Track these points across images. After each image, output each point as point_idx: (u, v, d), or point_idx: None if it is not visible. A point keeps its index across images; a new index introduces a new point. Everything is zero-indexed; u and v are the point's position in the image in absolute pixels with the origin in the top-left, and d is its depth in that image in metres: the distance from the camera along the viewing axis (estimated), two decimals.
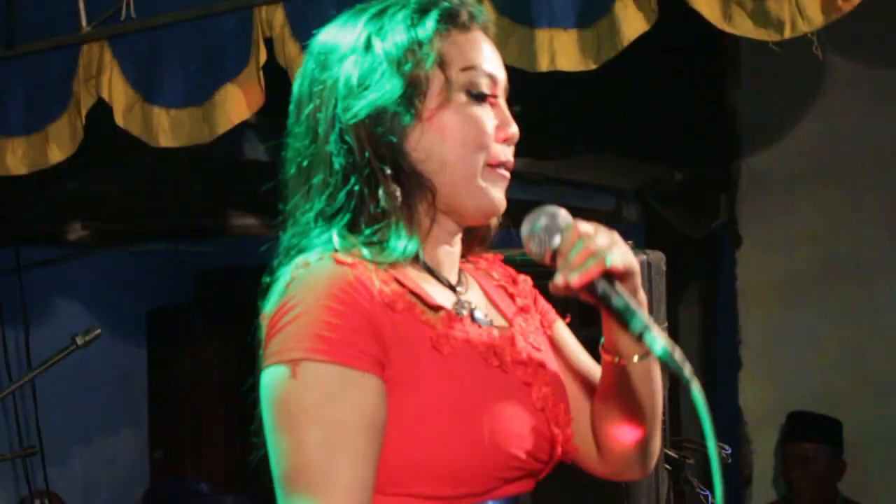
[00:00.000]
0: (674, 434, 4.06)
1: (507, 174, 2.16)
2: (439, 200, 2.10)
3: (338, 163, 2.06)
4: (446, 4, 2.12)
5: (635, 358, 2.18)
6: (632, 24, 3.72)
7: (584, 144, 6.33)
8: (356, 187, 2.05)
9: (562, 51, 3.84)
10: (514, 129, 2.15)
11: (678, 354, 1.98)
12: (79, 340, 4.36)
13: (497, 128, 2.13)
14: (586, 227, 2.06)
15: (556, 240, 2.05)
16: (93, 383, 7.59)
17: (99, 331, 4.38)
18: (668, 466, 3.98)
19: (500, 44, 3.91)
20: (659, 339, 1.98)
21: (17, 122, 4.87)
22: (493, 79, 2.14)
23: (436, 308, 2.08)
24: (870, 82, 6.10)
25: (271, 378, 1.94)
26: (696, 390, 1.98)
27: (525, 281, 2.36)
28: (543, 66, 3.83)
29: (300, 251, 2.05)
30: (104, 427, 7.96)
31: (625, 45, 3.75)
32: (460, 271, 2.22)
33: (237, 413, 8.03)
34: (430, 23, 2.09)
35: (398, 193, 2.06)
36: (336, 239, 2.03)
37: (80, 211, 7.04)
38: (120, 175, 6.43)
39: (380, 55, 2.06)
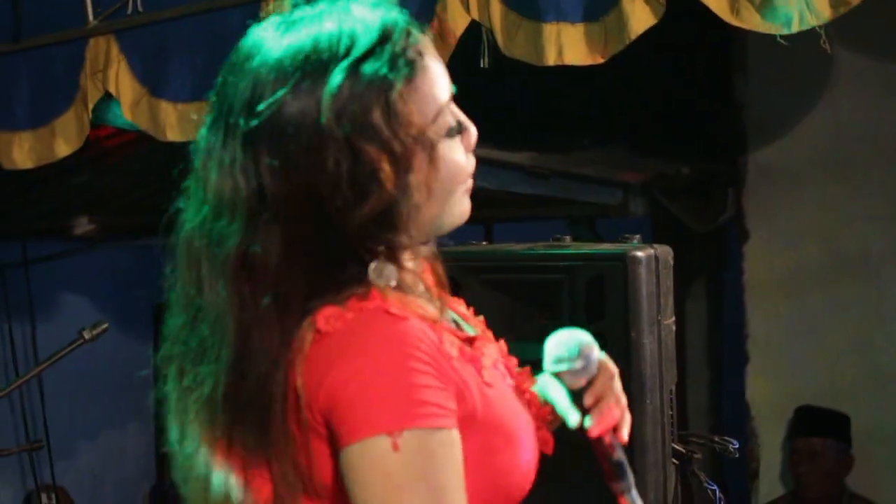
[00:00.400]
0: (681, 428, 4.05)
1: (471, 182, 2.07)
2: (418, 228, 1.99)
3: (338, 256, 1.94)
4: (401, 62, 1.93)
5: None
6: (639, 17, 3.72)
7: (591, 139, 6.32)
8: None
9: (569, 45, 3.84)
10: (474, 133, 2.04)
11: None
12: (86, 334, 4.36)
13: (462, 139, 2.02)
14: (615, 382, 2.11)
15: (581, 382, 2.06)
16: (99, 378, 7.59)
17: (107, 325, 4.39)
18: (675, 461, 3.98)
19: (508, 37, 3.92)
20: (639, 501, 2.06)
21: (23, 116, 4.88)
22: (453, 96, 2.02)
23: (470, 340, 2.07)
24: (877, 77, 6.09)
25: (366, 452, 1.82)
26: None
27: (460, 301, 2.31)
28: (551, 60, 3.83)
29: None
30: (110, 421, 7.96)
31: (632, 39, 3.75)
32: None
33: None
34: (392, 99, 1.90)
35: (402, 261, 1.98)
36: (372, 275, 1.94)
37: (86, 205, 7.04)
38: (126, 169, 6.43)
39: (359, 149, 1.88)
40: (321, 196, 1.88)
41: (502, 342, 2.23)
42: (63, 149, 4.80)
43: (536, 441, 2.09)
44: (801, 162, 6.32)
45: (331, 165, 1.87)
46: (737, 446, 4.03)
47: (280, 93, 1.92)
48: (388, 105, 1.90)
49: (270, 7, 4.35)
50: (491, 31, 3.95)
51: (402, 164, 1.91)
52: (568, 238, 3.68)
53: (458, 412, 1.89)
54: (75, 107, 4.74)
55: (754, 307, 6.46)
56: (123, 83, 4.63)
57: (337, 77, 1.89)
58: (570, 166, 6.22)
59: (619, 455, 2.06)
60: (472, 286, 3.51)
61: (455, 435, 1.87)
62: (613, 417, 2.06)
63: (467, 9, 4.00)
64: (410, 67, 1.94)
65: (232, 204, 1.95)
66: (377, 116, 1.89)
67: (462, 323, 2.16)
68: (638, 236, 3.84)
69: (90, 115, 4.71)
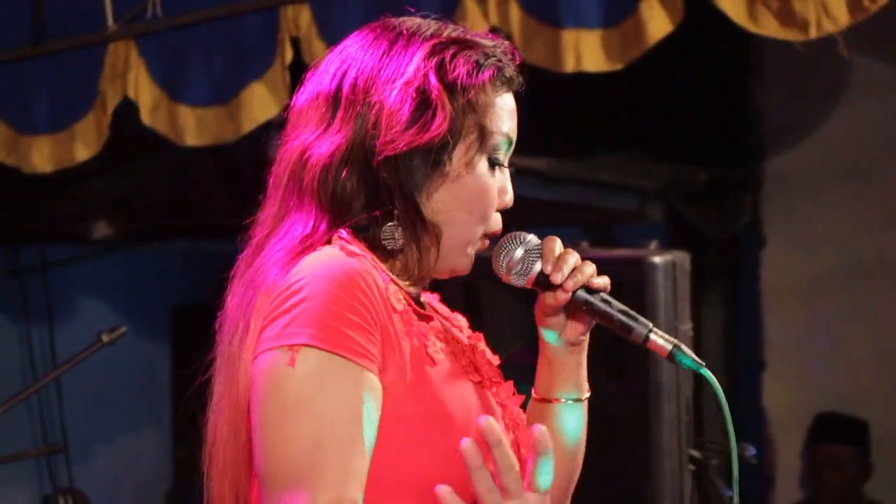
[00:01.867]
0: (697, 435, 4.05)
1: (487, 244, 2.14)
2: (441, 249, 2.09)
3: (373, 188, 2.03)
4: (500, 62, 2.08)
5: (569, 400, 2.20)
6: (658, 24, 3.73)
7: (608, 144, 6.33)
8: (374, 216, 2.03)
9: (587, 51, 3.85)
10: (510, 198, 2.13)
11: (685, 349, 2.04)
12: (105, 338, 4.37)
13: (498, 193, 2.11)
14: (559, 244, 2.10)
15: (538, 265, 2.09)
16: (116, 381, 7.60)
17: (125, 329, 4.39)
18: (691, 467, 3.98)
19: (526, 44, 3.93)
20: (666, 339, 2.05)
21: (43, 121, 4.89)
22: (511, 144, 2.12)
23: (426, 318, 2.09)
24: (895, 82, 6.08)
25: (267, 363, 1.90)
26: (712, 379, 2.04)
27: (460, 319, 2.32)
28: (569, 66, 3.84)
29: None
30: (128, 425, 7.97)
31: (650, 46, 3.76)
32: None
33: None
34: (485, 79, 2.06)
35: (409, 235, 2.04)
36: (345, 232, 2.01)
37: (104, 209, 7.06)
38: (145, 173, 6.45)
39: (434, 97, 2.01)
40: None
41: (495, 357, 2.25)
42: (82, 153, 4.81)
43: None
44: (818, 168, 6.32)
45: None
46: (754, 452, 4.03)
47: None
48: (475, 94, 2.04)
49: (289, 12, 4.36)
50: (509, 38, 3.96)
51: (454, 132, 2.02)
52: (585, 244, 3.69)
53: (381, 360, 1.93)
54: (94, 111, 4.75)
55: (771, 313, 6.45)
56: (143, 87, 4.64)
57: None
58: (586, 172, 6.22)
59: (612, 306, 2.07)
60: (487, 291, 3.52)
61: (365, 375, 1.90)
62: (578, 279, 2.06)
63: (486, 15, 4.01)
64: (501, 83, 2.08)
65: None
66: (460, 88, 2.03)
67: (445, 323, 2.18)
68: (655, 242, 3.85)
69: (109, 120, 4.73)
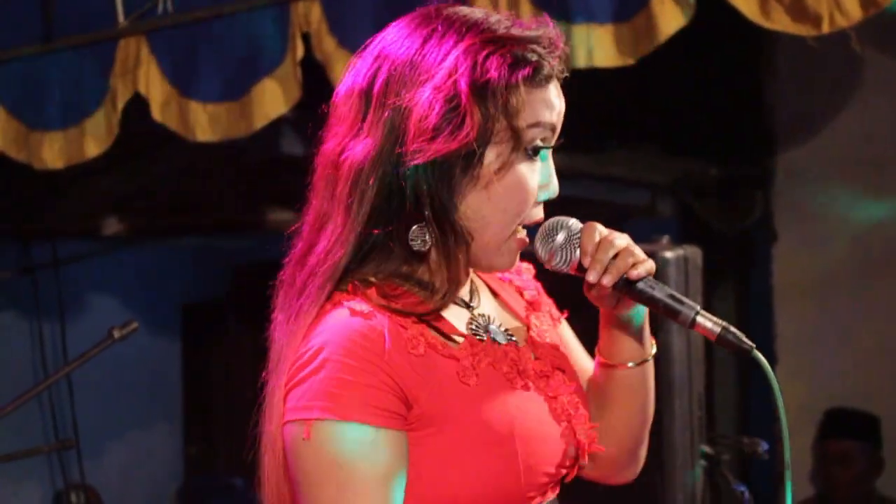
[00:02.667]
0: (709, 430, 4.05)
1: (527, 240, 2.14)
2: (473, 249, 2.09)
3: (399, 193, 2.03)
4: (538, 59, 2.05)
5: (632, 364, 2.21)
6: (669, 19, 3.71)
7: (619, 139, 6.32)
8: (406, 222, 2.04)
9: (599, 46, 3.83)
10: (554, 189, 2.13)
11: (734, 330, 2.05)
12: (116, 334, 4.38)
13: (540, 186, 2.10)
14: (603, 229, 2.10)
15: (578, 253, 2.09)
16: (127, 378, 7.61)
17: (136, 324, 4.40)
18: (703, 462, 3.98)
19: None
20: (714, 321, 2.06)
21: (53, 117, 4.89)
22: (553, 131, 2.11)
23: (456, 338, 2.09)
24: None
25: (288, 434, 1.99)
26: (763, 361, 2.05)
27: (528, 270, 2.36)
28: (580, 62, 3.83)
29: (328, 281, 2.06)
30: (139, 422, 7.99)
31: (662, 41, 3.75)
32: (471, 281, 2.21)
33: None
34: (520, 80, 2.03)
35: (437, 239, 2.05)
36: (351, 287, 2.05)
37: (116, 205, 7.06)
38: (156, 170, 6.45)
39: (463, 100, 2.00)
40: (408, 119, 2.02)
41: (553, 328, 2.29)
42: (93, 149, 4.82)
43: (559, 443, 2.11)
44: (830, 163, 6.31)
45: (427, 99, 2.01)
46: (766, 448, 4.03)
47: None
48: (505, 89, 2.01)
49: (300, 8, 4.36)
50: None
51: (483, 139, 2.01)
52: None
53: (407, 398, 1.97)
54: (105, 107, 4.75)
55: (782, 309, 6.45)
56: (153, 84, 4.64)
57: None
58: (598, 167, 6.21)
59: (661, 290, 2.07)
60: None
61: (381, 433, 1.94)
62: (619, 266, 2.07)
63: (496, 9, 4.00)
64: (537, 78, 2.05)
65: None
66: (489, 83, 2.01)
67: (492, 327, 2.18)
68: (666, 237, 3.84)
69: (120, 116, 4.73)
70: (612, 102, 5.77)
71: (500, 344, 2.14)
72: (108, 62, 4.74)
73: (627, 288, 2.07)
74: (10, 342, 7.22)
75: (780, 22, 3.66)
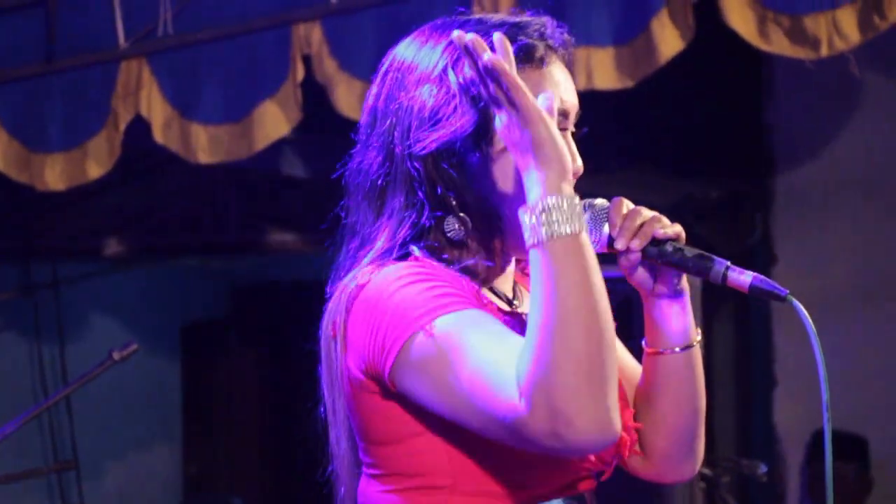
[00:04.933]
0: (708, 452, 4.05)
1: None
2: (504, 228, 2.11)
3: (417, 187, 2.06)
4: (524, 41, 2.08)
5: (677, 349, 2.20)
6: (669, 41, 3.73)
7: (618, 161, 6.33)
8: (435, 213, 2.06)
9: (599, 69, 3.85)
10: (577, 166, 2.14)
11: (766, 279, 2.08)
12: (116, 356, 4.38)
13: None
14: (630, 203, 2.13)
15: (606, 227, 2.11)
16: (127, 398, 7.60)
17: (136, 346, 4.40)
18: (703, 484, 3.98)
19: None
20: (745, 273, 2.08)
21: (56, 138, 4.91)
22: (562, 113, 2.13)
23: (510, 303, 2.13)
24: None
25: (410, 355, 1.93)
26: (798, 306, 2.12)
27: None
28: (580, 84, 3.84)
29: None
30: (139, 442, 7.97)
31: (662, 63, 3.76)
32: (515, 283, 2.23)
33: (271, 428, 8.05)
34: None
35: (468, 223, 2.06)
36: (415, 250, 2.06)
37: (116, 226, 7.07)
38: (156, 190, 6.46)
39: (453, 89, 2.04)
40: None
41: None
42: (95, 170, 4.83)
43: None
44: (829, 185, 6.32)
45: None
46: (765, 470, 4.03)
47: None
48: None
49: (300, 30, 4.38)
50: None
51: (480, 121, 2.03)
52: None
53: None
54: (107, 129, 4.77)
55: (782, 330, 6.44)
56: (155, 105, 4.66)
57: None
58: (596, 189, 6.22)
59: (686, 252, 2.09)
60: None
61: (481, 312, 1.95)
62: (646, 230, 2.09)
63: None
64: (529, 59, 2.08)
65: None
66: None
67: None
68: None
69: (122, 137, 4.74)
70: (612, 124, 5.79)
71: None
72: (109, 84, 4.76)
73: (657, 251, 2.09)
74: (10, 363, 7.22)
75: (779, 45, 3.68)
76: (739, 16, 3.70)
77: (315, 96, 4.45)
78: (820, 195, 6.33)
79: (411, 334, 1.92)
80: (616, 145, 6.15)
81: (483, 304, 2.03)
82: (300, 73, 4.39)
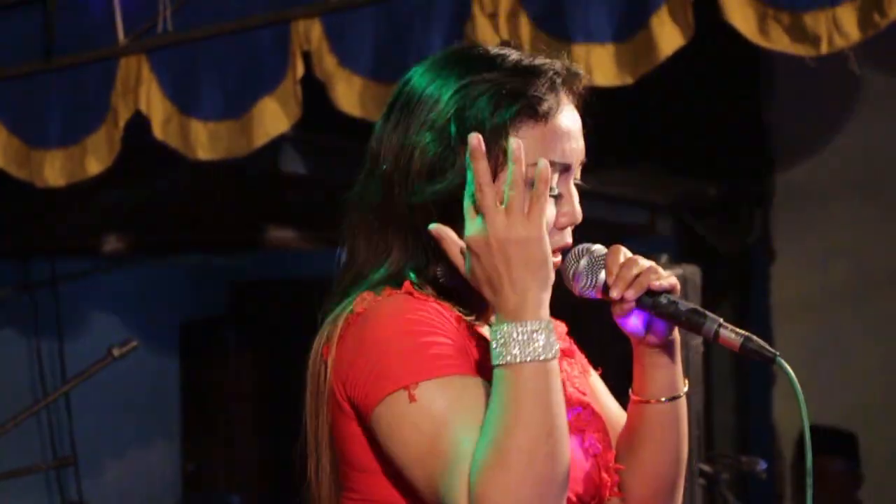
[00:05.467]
0: (707, 449, 4.05)
1: (559, 258, 2.14)
2: None
3: (411, 232, 2.07)
4: (533, 95, 2.08)
5: (663, 399, 2.22)
6: (669, 38, 3.73)
7: (617, 158, 6.33)
8: (427, 256, 2.08)
9: (598, 66, 3.85)
10: (575, 216, 2.17)
11: (757, 339, 2.11)
12: (115, 352, 4.38)
13: (558, 214, 2.15)
14: (628, 252, 2.15)
15: (602, 274, 2.13)
16: (125, 395, 7.60)
17: (135, 343, 4.40)
18: (702, 481, 3.98)
19: None
20: (737, 332, 2.11)
21: (55, 135, 4.91)
22: (565, 167, 2.16)
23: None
24: None
25: (390, 410, 1.95)
26: (788, 370, 2.14)
27: (561, 325, 2.36)
28: None
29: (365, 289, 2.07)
30: (137, 439, 7.97)
31: (661, 60, 3.76)
32: None
33: (270, 426, 8.05)
34: (508, 116, 2.05)
35: (455, 271, 2.04)
36: (411, 275, 2.07)
37: (115, 223, 7.07)
38: (155, 187, 6.46)
39: (454, 143, 2.03)
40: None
41: (585, 374, 2.32)
42: (94, 167, 4.83)
43: (586, 476, 2.12)
44: (829, 182, 6.32)
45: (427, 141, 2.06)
46: (765, 467, 4.03)
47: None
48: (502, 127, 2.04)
49: (300, 27, 4.38)
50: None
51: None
52: (665, 257, 3.69)
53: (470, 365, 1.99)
54: (106, 125, 4.77)
55: (781, 328, 6.45)
56: (154, 102, 4.66)
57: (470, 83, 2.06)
58: (596, 186, 6.21)
59: (679, 306, 2.10)
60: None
61: (468, 378, 1.96)
62: (642, 281, 2.10)
63: (496, 29, 4.01)
64: (533, 114, 2.09)
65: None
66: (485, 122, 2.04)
67: None
68: (665, 256, 3.85)
69: (121, 134, 4.75)
70: (610, 121, 5.79)
71: None
72: (108, 81, 4.76)
73: (651, 302, 2.10)
74: (9, 360, 7.22)
75: (779, 42, 3.67)
76: (739, 13, 3.69)
77: (316, 93, 4.45)
78: (819, 192, 6.33)
79: (394, 390, 1.94)
80: (614, 142, 6.14)
81: (472, 345, 2.04)
82: (300, 69, 4.39)
